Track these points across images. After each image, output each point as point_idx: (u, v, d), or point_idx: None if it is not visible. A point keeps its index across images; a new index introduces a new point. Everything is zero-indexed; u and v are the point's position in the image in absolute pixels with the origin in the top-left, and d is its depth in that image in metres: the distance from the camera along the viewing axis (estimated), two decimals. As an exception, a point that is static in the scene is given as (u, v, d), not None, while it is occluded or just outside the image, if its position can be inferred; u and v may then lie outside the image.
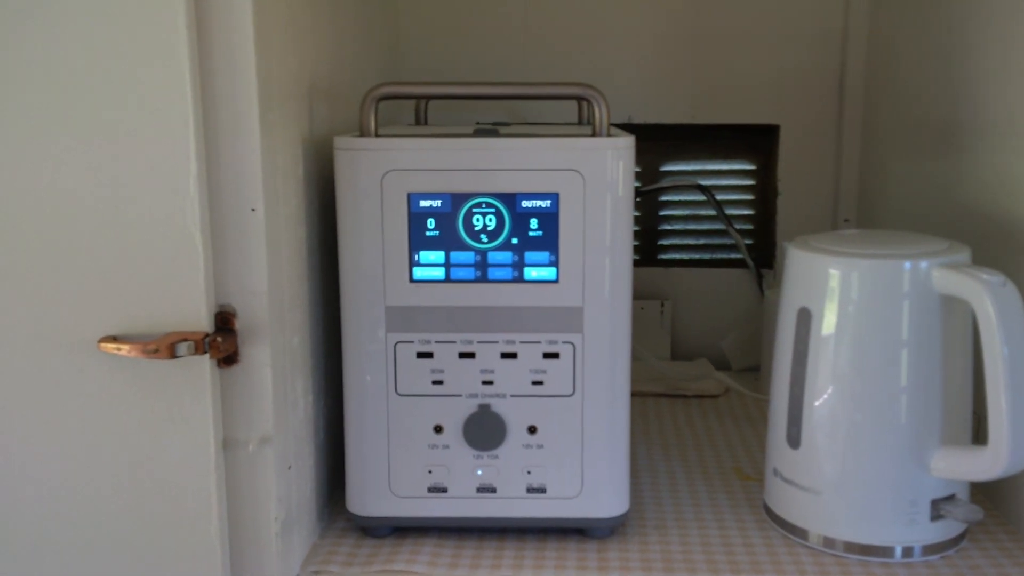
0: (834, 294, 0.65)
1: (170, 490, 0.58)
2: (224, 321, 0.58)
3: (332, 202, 0.66)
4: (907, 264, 0.63)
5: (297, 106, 0.65)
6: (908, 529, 0.66)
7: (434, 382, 0.67)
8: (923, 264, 0.63)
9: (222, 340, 0.57)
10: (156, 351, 0.54)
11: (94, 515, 0.59)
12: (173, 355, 0.54)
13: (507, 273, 0.65)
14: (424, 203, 0.64)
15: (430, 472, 0.68)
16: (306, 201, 0.67)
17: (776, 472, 0.70)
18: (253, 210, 0.57)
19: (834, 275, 0.65)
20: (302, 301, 0.66)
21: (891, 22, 1.00)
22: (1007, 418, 0.60)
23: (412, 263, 0.65)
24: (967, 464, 0.64)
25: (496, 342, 0.66)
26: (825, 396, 0.66)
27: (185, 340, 0.54)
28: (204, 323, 0.56)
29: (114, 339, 0.55)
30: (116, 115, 0.54)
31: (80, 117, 0.54)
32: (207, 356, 0.56)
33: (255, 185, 0.57)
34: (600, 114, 0.64)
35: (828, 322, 0.65)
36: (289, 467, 0.64)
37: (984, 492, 0.74)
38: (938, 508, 0.65)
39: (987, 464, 0.62)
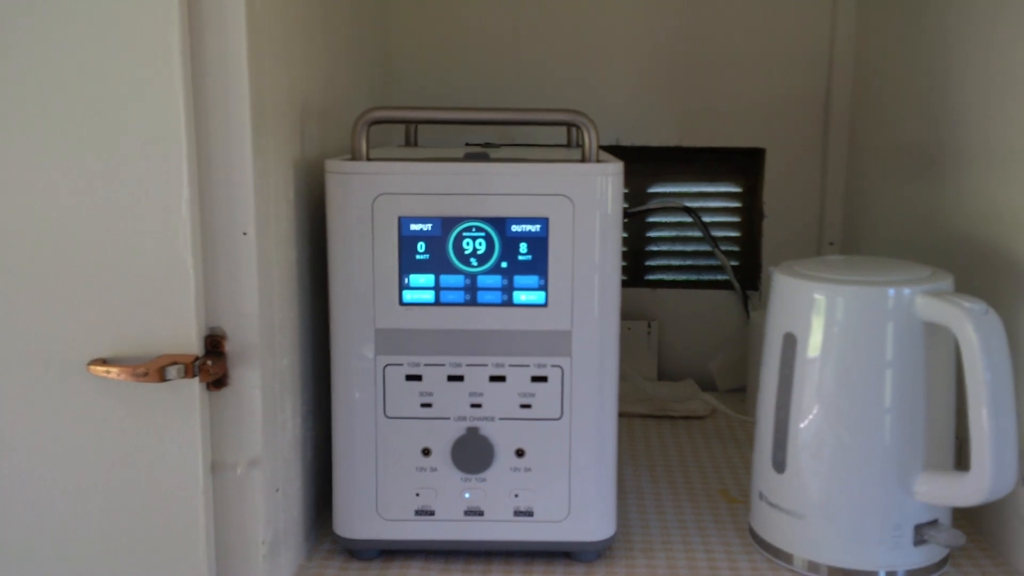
0: (819, 320, 0.66)
1: (158, 513, 0.58)
2: (214, 344, 0.58)
3: (323, 224, 0.66)
4: (891, 291, 0.64)
5: (289, 128, 0.65)
6: (892, 554, 0.66)
7: (423, 404, 0.67)
8: (906, 291, 0.64)
9: (212, 363, 0.57)
10: (146, 374, 0.54)
11: (82, 536, 0.58)
12: (163, 379, 0.54)
13: (496, 297, 0.66)
14: (415, 227, 0.65)
15: (417, 495, 0.68)
16: (297, 223, 0.67)
17: (762, 496, 0.71)
18: (245, 233, 0.57)
19: (819, 301, 0.66)
20: (292, 323, 0.66)
21: (876, 49, 1.01)
22: (989, 444, 0.60)
23: (402, 286, 0.65)
24: (950, 489, 0.64)
25: (485, 365, 0.66)
26: (810, 420, 0.66)
27: (175, 363, 0.54)
28: (194, 346, 0.56)
29: (104, 362, 0.55)
30: (109, 138, 0.54)
31: (73, 140, 0.54)
32: (197, 379, 0.56)
33: (247, 208, 0.57)
34: (590, 140, 0.65)
35: (813, 348, 0.66)
36: (277, 490, 0.64)
37: (967, 517, 0.75)
38: (921, 533, 0.66)
39: (970, 490, 0.62)
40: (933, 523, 0.67)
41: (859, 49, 1.06)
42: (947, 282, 0.66)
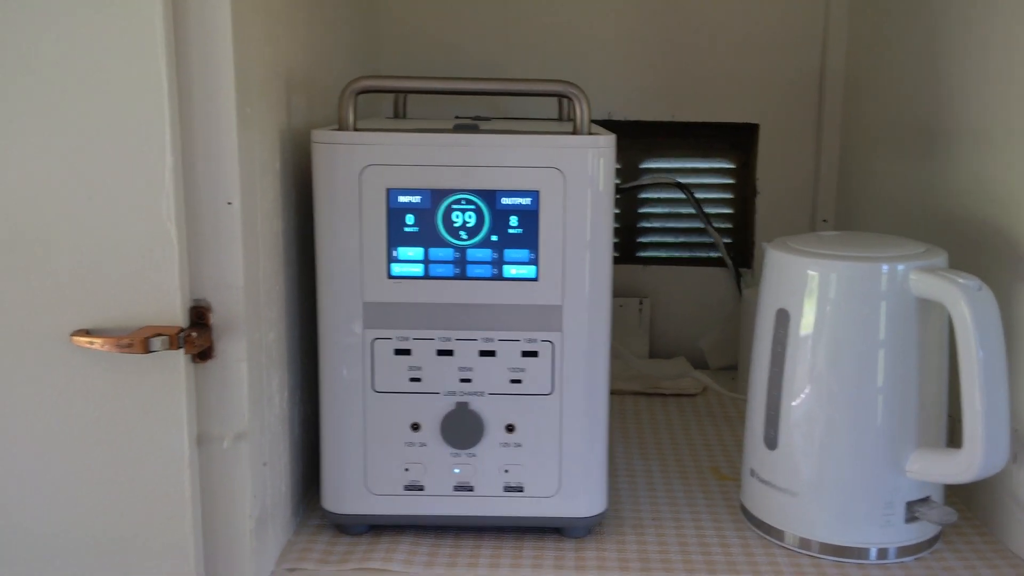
0: (812, 295, 0.65)
1: (144, 486, 0.57)
2: (199, 316, 0.57)
3: (310, 195, 0.65)
4: (884, 267, 0.64)
5: (275, 98, 0.64)
6: (883, 531, 0.66)
7: (412, 379, 0.66)
8: (900, 267, 0.63)
9: (197, 335, 0.56)
10: (130, 345, 0.53)
11: (66, 510, 0.58)
12: (147, 350, 0.53)
13: (486, 270, 0.65)
14: (403, 199, 0.64)
15: (407, 470, 0.67)
16: (283, 194, 0.66)
17: (753, 473, 0.70)
18: (229, 203, 0.56)
19: (812, 276, 0.65)
20: (278, 296, 0.65)
21: (871, 23, 1.00)
22: (981, 421, 0.60)
23: (390, 259, 0.64)
24: (942, 466, 0.64)
25: (475, 340, 0.66)
26: (802, 397, 0.66)
27: (159, 335, 0.54)
28: (179, 317, 0.55)
29: (87, 333, 0.54)
30: (91, 107, 0.53)
31: (55, 109, 0.53)
32: (181, 351, 0.55)
33: (232, 178, 0.56)
34: (581, 112, 0.64)
35: (806, 323, 0.65)
36: (264, 464, 0.63)
37: (958, 495, 0.75)
38: (913, 510, 0.66)
39: (961, 467, 0.62)
40: (925, 500, 0.66)
41: (854, 23, 1.05)
42: (941, 258, 0.65)
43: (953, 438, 0.68)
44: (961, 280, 0.61)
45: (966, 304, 0.60)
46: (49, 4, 0.52)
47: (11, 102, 0.53)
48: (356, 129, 0.64)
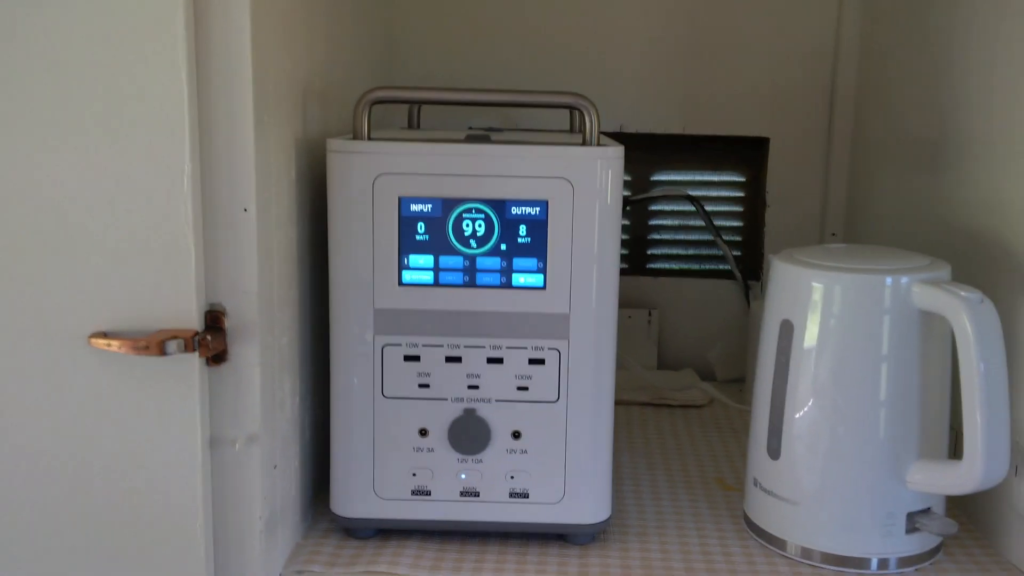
0: (816, 307, 0.66)
1: (156, 486, 0.58)
2: (214, 320, 0.58)
3: (323, 203, 0.66)
4: (888, 279, 0.64)
5: (291, 107, 0.66)
6: (884, 541, 0.66)
7: (420, 385, 0.67)
8: (903, 280, 0.64)
9: (211, 339, 0.57)
10: (146, 348, 0.54)
11: (79, 508, 0.59)
12: (163, 352, 0.54)
13: (495, 279, 0.66)
14: (415, 207, 0.65)
15: (414, 475, 0.69)
16: (297, 202, 0.67)
17: (756, 482, 0.71)
18: (245, 210, 0.58)
19: (816, 288, 0.66)
20: (291, 301, 0.67)
21: (882, 39, 1.01)
22: (982, 433, 0.61)
23: (401, 266, 0.66)
24: (943, 478, 0.65)
25: (483, 347, 0.67)
26: (805, 408, 0.67)
27: (175, 338, 0.55)
28: (194, 321, 0.56)
29: (104, 335, 0.56)
30: (112, 113, 0.54)
31: (76, 115, 0.55)
32: (196, 354, 0.56)
33: (248, 185, 0.58)
34: (590, 124, 0.65)
35: (810, 335, 0.66)
36: (275, 466, 0.64)
37: (959, 506, 0.75)
38: (914, 521, 0.66)
39: (962, 478, 0.63)
40: (926, 511, 0.67)
41: (864, 39, 1.05)
42: (944, 271, 0.66)
43: (955, 450, 0.68)
44: (963, 293, 0.61)
45: (967, 317, 0.61)
46: (74, 15, 0.54)
47: (35, 109, 0.55)
48: (370, 138, 0.65)
